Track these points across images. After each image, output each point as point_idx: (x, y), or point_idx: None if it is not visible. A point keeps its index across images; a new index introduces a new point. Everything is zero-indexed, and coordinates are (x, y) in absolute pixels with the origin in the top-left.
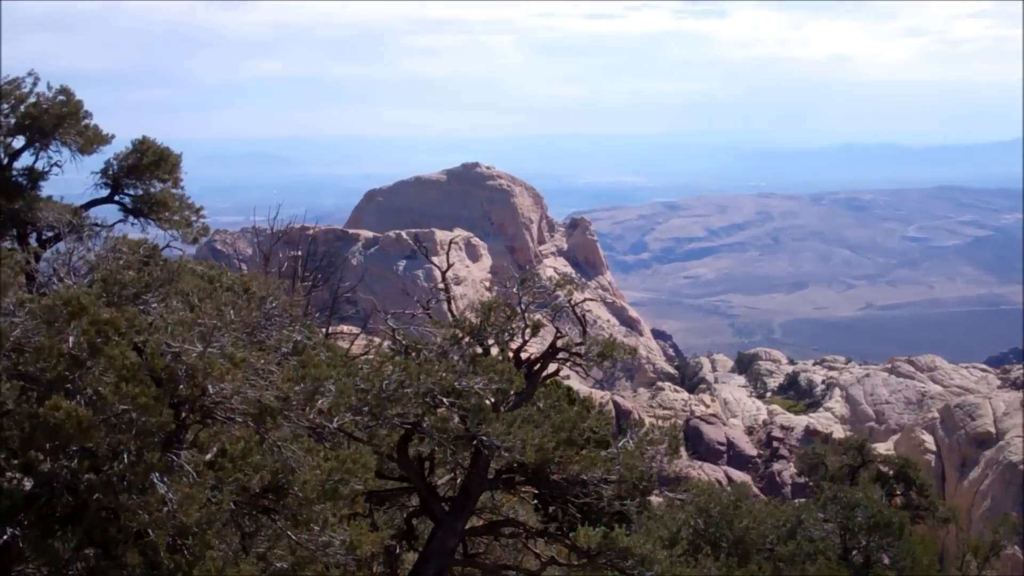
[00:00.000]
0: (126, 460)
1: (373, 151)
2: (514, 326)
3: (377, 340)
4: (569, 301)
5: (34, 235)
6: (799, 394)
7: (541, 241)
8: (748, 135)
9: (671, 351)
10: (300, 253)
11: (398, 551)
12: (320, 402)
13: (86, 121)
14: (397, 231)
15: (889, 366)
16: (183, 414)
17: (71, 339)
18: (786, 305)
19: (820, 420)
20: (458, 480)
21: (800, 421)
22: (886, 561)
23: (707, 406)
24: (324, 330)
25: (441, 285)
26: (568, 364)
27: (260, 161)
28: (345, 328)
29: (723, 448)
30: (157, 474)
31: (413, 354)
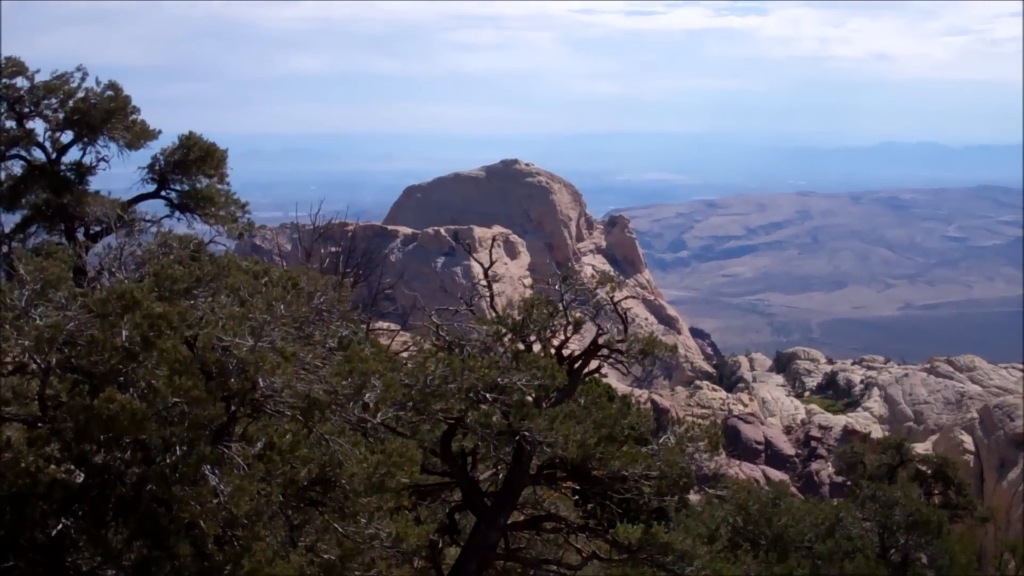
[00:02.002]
0: (178, 452)
1: (412, 147)
2: (556, 323)
3: (419, 336)
4: (610, 299)
5: (81, 229)
6: (837, 394)
7: (579, 239)
8: (788, 133)
9: (709, 350)
10: (340, 249)
11: (440, 545)
12: (367, 396)
13: (133, 116)
14: (436, 227)
15: (928, 366)
16: (233, 407)
17: (124, 333)
18: (825, 304)
19: (858, 420)
20: (500, 475)
21: (838, 421)
22: (924, 560)
23: (745, 405)
24: (365, 327)
25: (483, 282)
26: (609, 361)
27: (298, 157)
28: (384, 325)
29: (761, 447)
30: (208, 466)
31: (456, 350)
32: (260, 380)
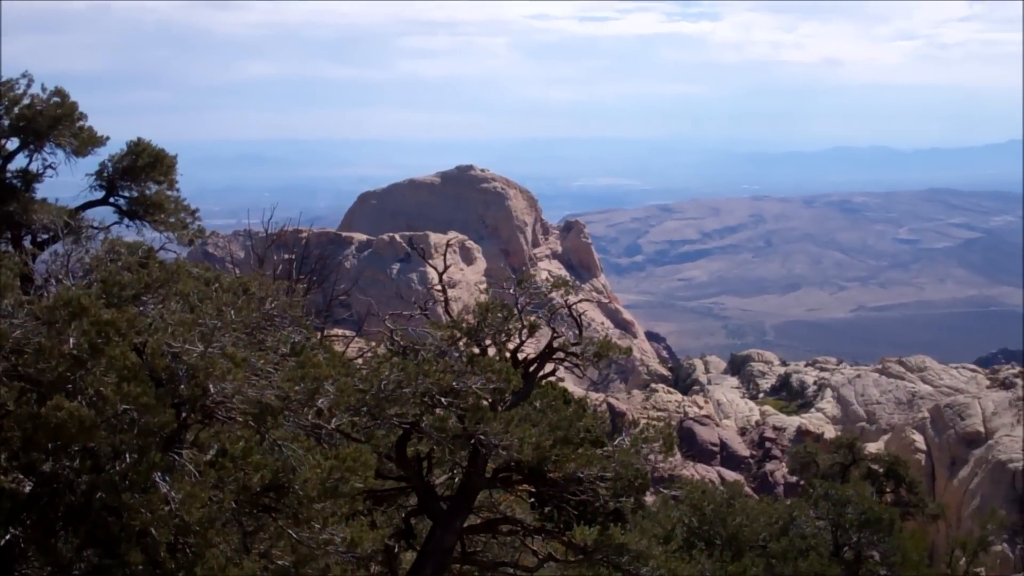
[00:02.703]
0: (128, 459)
1: (366, 153)
2: (511, 327)
3: (374, 342)
4: (565, 302)
5: (28, 237)
6: (791, 395)
7: (536, 244)
8: (742, 138)
9: (665, 353)
10: (294, 256)
11: (396, 550)
12: (320, 402)
13: (81, 123)
14: (391, 234)
15: (880, 367)
16: (184, 414)
17: (72, 340)
18: (778, 307)
19: (812, 420)
20: (456, 479)
21: (792, 422)
22: (876, 557)
23: (700, 407)
24: (319, 333)
25: (438, 287)
26: (564, 364)
27: (253, 163)
28: (339, 332)
29: (716, 449)
30: (159, 473)
31: (411, 355)
32: (211, 386)
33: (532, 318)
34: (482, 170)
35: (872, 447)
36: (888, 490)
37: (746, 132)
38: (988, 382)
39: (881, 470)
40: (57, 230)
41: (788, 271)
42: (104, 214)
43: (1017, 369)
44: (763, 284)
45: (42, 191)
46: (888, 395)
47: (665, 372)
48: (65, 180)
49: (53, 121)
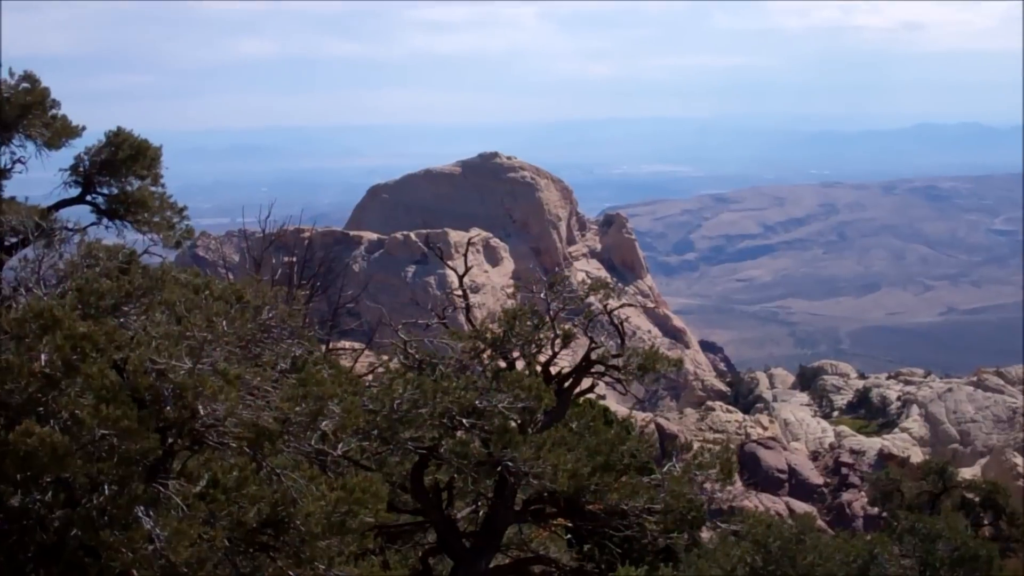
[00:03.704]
0: (107, 492)
1: (376, 142)
2: (542, 336)
3: (386, 355)
4: (604, 307)
5: None
6: (871, 413)
7: (571, 241)
8: (808, 116)
9: (722, 365)
10: (295, 259)
11: None
12: (324, 424)
13: (53, 111)
14: (405, 232)
15: (975, 379)
16: (170, 439)
17: (43, 356)
18: (855, 311)
19: (895, 442)
20: (480, 512)
21: (872, 444)
22: None
23: (765, 428)
24: (324, 346)
25: (458, 292)
26: (604, 379)
27: (247, 154)
28: (347, 344)
29: (784, 476)
30: (142, 507)
31: (428, 370)
32: (200, 407)
33: (567, 326)
34: (508, 158)
35: (967, 472)
36: (986, 522)
37: (814, 109)
38: None
39: (977, 499)
40: (27, 232)
41: (865, 269)
42: (80, 214)
43: None
44: (836, 284)
45: (10, 188)
46: (985, 412)
47: (723, 387)
48: (36, 176)
49: (22, 109)
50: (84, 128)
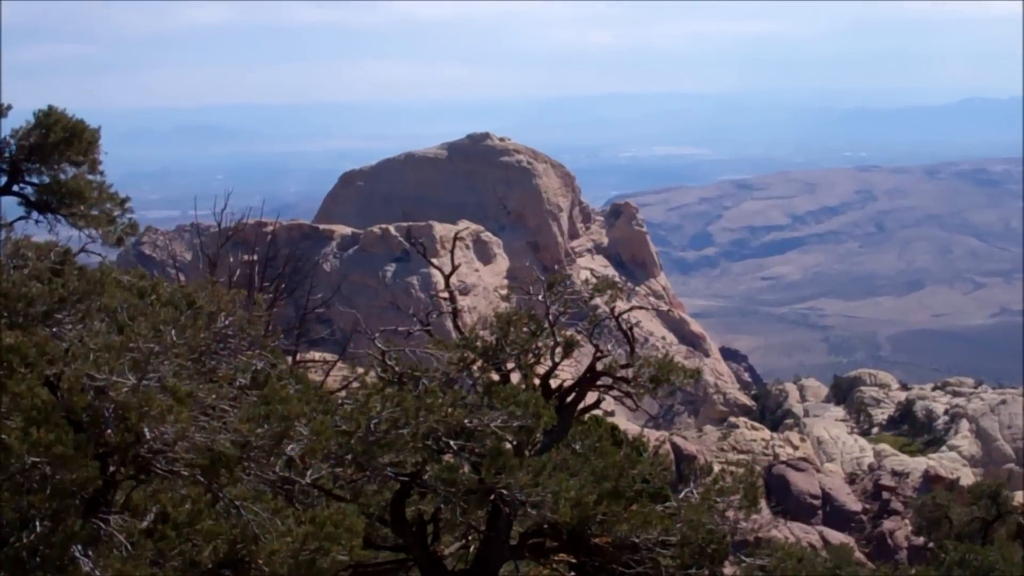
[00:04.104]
0: (39, 528)
1: (350, 121)
2: (540, 344)
3: (361, 368)
4: (611, 311)
5: None
6: (915, 429)
7: (573, 235)
8: (841, 90)
9: (747, 376)
10: (256, 257)
11: None
12: (290, 448)
13: None
14: (383, 226)
15: None
16: (112, 467)
17: None
18: (896, 312)
19: (943, 462)
20: (471, 548)
21: (917, 464)
22: None
23: (795, 447)
24: (290, 358)
25: (444, 294)
26: (612, 393)
27: (199, 136)
28: (317, 355)
29: (817, 502)
30: (79, 546)
31: (410, 384)
32: (146, 430)
33: (569, 333)
34: (501, 139)
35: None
36: None
37: (847, 82)
38: None
39: None
40: None
41: (907, 264)
42: (6, 206)
43: None
44: (874, 283)
45: None
46: None
47: (748, 401)
48: None
49: None
50: (10, 107)
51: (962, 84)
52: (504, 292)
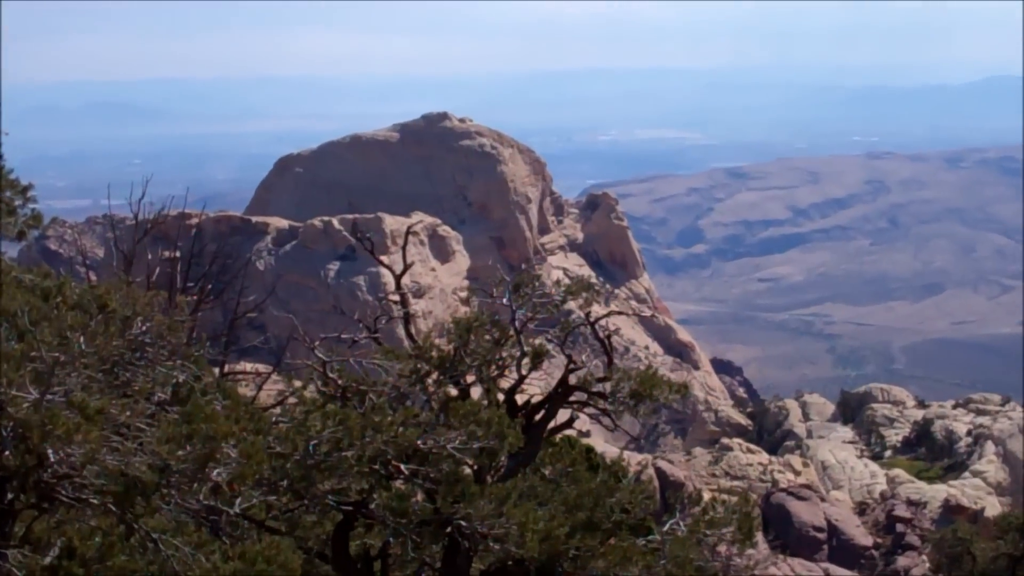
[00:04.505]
0: None
1: (287, 99)
2: (505, 355)
3: (299, 381)
4: (587, 316)
5: None
6: (934, 452)
7: (544, 230)
8: (849, 67)
9: (742, 391)
10: (179, 254)
11: None
12: (216, 473)
13: None
14: (325, 218)
15: None
16: (10, 494)
17: None
18: (911, 319)
19: (965, 490)
20: None
21: (936, 492)
22: None
23: (797, 473)
24: (217, 369)
25: (395, 296)
26: (586, 410)
27: (114, 115)
28: (249, 366)
29: (822, 535)
30: None
31: (355, 400)
32: (50, 452)
33: (537, 341)
34: (461, 120)
35: None
36: None
37: (857, 58)
38: None
39: None
40: None
41: (924, 265)
42: None
43: None
44: (887, 285)
45: None
46: None
47: (743, 420)
48: None
49: None
50: None
51: (988, 60)
52: (464, 294)
